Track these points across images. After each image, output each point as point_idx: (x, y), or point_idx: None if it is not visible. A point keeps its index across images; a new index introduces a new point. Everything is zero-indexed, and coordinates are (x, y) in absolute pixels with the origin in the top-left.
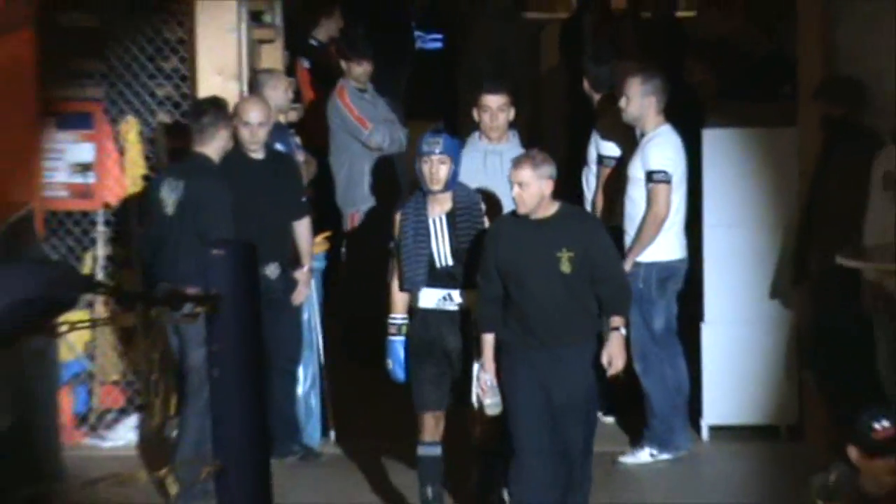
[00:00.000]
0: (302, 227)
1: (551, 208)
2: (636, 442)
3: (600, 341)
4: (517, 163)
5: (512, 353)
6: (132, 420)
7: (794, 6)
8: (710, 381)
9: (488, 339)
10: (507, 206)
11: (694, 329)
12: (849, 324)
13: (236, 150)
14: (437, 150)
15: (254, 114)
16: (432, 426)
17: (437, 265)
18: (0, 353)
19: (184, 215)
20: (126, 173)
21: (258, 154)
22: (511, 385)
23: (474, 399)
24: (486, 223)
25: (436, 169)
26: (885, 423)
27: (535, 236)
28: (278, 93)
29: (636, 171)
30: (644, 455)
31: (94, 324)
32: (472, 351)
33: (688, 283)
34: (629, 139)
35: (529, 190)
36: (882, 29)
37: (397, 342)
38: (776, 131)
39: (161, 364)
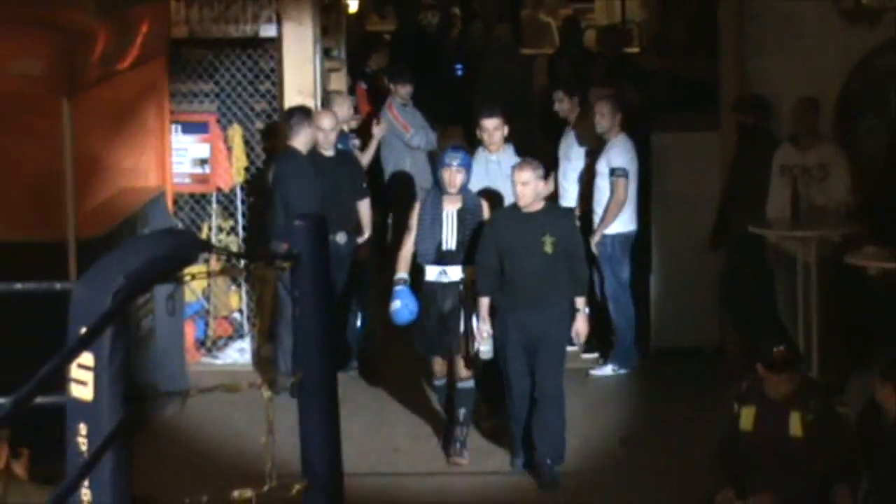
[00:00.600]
0: (363, 206)
1: (540, 204)
2: (602, 362)
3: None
4: (520, 167)
5: (504, 312)
6: (237, 344)
7: (716, 44)
8: (656, 316)
9: (485, 302)
10: (505, 202)
11: (644, 280)
12: (756, 275)
13: (314, 150)
14: (456, 163)
15: (326, 122)
16: (439, 368)
17: (443, 248)
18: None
19: (275, 190)
20: (233, 166)
21: (329, 152)
22: (503, 336)
23: (463, 349)
24: (486, 217)
25: (453, 177)
26: (782, 347)
27: (527, 225)
28: (343, 108)
29: (602, 168)
30: (608, 370)
31: (209, 274)
32: (462, 312)
33: (642, 247)
34: (594, 144)
35: (529, 187)
36: (781, 61)
37: (402, 290)
38: (704, 134)
39: (261, 302)
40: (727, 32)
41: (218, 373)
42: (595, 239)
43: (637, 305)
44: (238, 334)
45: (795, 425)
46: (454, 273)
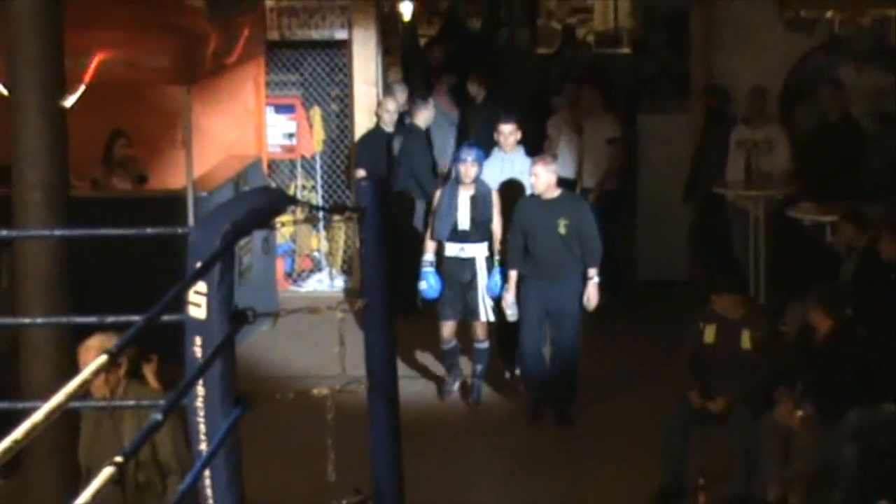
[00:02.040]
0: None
1: (555, 192)
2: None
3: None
4: (535, 162)
5: (527, 281)
6: (317, 276)
7: (687, 40)
8: (640, 256)
9: (513, 274)
10: (525, 192)
11: (632, 229)
12: (720, 224)
13: (378, 127)
14: (471, 159)
15: (391, 106)
16: (448, 330)
17: (458, 228)
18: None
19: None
20: (313, 139)
21: (390, 129)
22: (525, 300)
23: (482, 313)
24: (496, 205)
25: (469, 170)
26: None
27: (545, 210)
28: (402, 95)
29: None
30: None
31: (295, 222)
32: (479, 282)
33: (629, 205)
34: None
35: (541, 178)
36: (738, 58)
37: (429, 272)
38: (678, 116)
39: (335, 242)
40: (697, 36)
41: (302, 298)
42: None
43: (625, 249)
44: (317, 268)
45: (746, 340)
46: (471, 249)
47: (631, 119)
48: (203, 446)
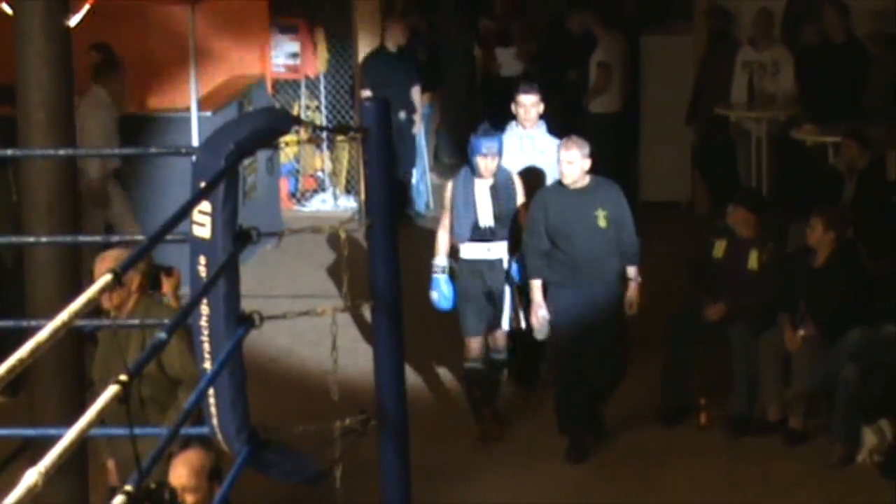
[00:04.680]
0: (415, 90)
1: (587, 179)
2: None
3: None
4: (566, 146)
5: (562, 290)
6: (320, 196)
7: None
8: (643, 177)
9: (537, 284)
10: (546, 178)
11: (634, 150)
12: (723, 145)
13: (383, 47)
14: (493, 152)
15: (395, 27)
16: (477, 347)
17: (480, 225)
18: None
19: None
20: (318, 59)
21: (393, 49)
22: (559, 312)
23: (506, 322)
24: (519, 193)
25: (490, 164)
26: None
27: (578, 201)
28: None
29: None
30: None
31: (298, 142)
32: (507, 288)
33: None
34: None
35: (575, 166)
36: None
37: (441, 279)
38: (681, 37)
39: (339, 162)
40: None
41: (305, 217)
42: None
43: (628, 170)
44: (321, 188)
45: (753, 260)
46: (498, 249)
47: (634, 41)
48: (207, 365)
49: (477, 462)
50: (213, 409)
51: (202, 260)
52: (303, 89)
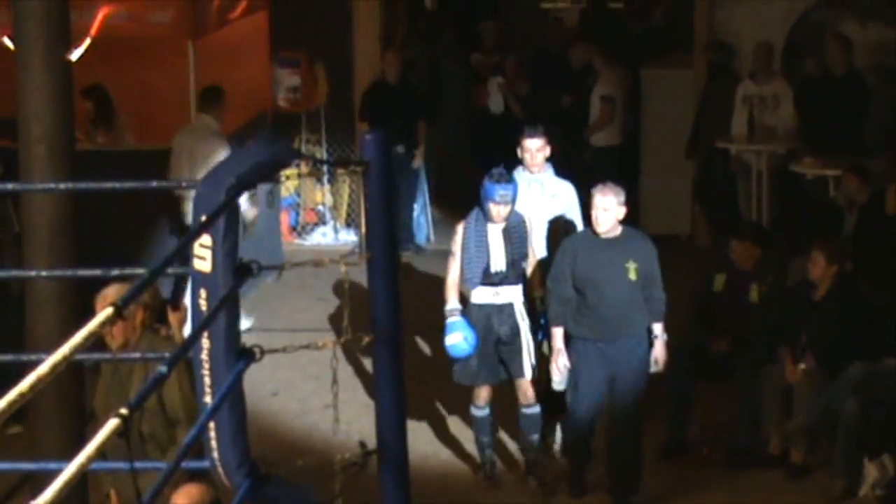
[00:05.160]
0: (420, 125)
1: (618, 229)
2: None
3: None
4: (602, 192)
5: (585, 344)
6: (321, 229)
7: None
8: (643, 210)
9: (559, 332)
10: (575, 225)
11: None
12: (724, 179)
13: (383, 80)
14: (507, 200)
15: (393, 59)
16: (484, 395)
17: (492, 269)
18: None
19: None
20: (318, 92)
21: (393, 81)
22: (580, 366)
23: (528, 371)
24: (531, 236)
25: (503, 211)
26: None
27: (609, 251)
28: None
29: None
30: None
31: (299, 175)
32: (521, 333)
33: (633, 158)
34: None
35: (610, 213)
36: (742, 14)
37: (457, 322)
38: (681, 71)
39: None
40: None
41: (306, 251)
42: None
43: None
44: (322, 221)
45: (754, 293)
46: (507, 293)
47: (634, 75)
48: (208, 398)
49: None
50: (213, 443)
51: (203, 293)
52: (303, 122)
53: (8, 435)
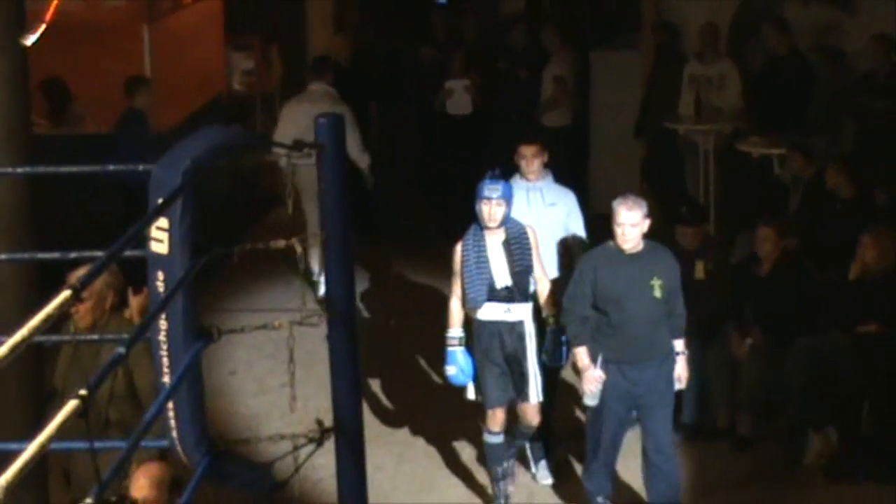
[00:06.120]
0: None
1: (642, 244)
2: None
3: None
4: (628, 207)
5: (609, 366)
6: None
7: None
8: (592, 188)
9: (582, 351)
10: (550, 235)
11: (584, 162)
12: (671, 158)
13: (336, 63)
14: (496, 196)
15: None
16: (499, 419)
17: (497, 286)
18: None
19: None
20: (273, 75)
21: (345, 64)
22: (607, 393)
23: (534, 392)
24: (535, 246)
25: (494, 211)
26: (688, 208)
27: (632, 267)
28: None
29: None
30: None
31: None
32: (528, 353)
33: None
34: None
35: (637, 229)
36: None
37: (457, 351)
38: (629, 52)
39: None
40: None
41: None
42: None
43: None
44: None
45: (699, 271)
46: (518, 311)
47: (584, 57)
48: (167, 378)
49: None
50: (172, 422)
51: (160, 275)
52: (258, 105)
53: None
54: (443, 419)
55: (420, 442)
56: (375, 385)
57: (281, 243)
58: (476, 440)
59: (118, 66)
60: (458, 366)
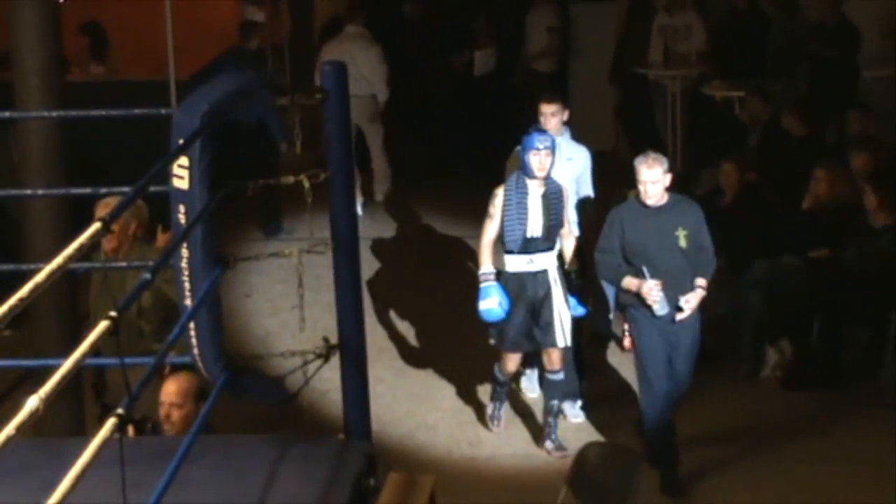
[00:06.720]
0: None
1: (665, 197)
2: None
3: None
4: (648, 164)
5: (641, 316)
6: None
7: None
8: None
9: (628, 279)
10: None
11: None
12: (642, 100)
13: (339, 17)
14: (545, 146)
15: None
16: (512, 366)
17: (528, 235)
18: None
19: None
20: (282, 28)
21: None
22: (643, 341)
23: (560, 337)
24: (567, 206)
25: (544, 161)
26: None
27: (658, 220)
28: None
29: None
30: None
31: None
32: (553, 301)
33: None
34: None
35: (658, 185)
36: None
37: (492, 286)
38: (605, 4)
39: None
40: None
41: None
42: None
43: None
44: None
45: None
46: (541, 260)
47: (565, 8)
48: (188, 301)
49: None
50: (193, 341)
51: (181, 209)
52: (269, 53)
53: (1, 336)
54: (440, 339)
55: (418, 358)
56: (380, 307)
57: (290, 179)
58: (470, 356)
59: (145, 18)
60: (496, 298)
